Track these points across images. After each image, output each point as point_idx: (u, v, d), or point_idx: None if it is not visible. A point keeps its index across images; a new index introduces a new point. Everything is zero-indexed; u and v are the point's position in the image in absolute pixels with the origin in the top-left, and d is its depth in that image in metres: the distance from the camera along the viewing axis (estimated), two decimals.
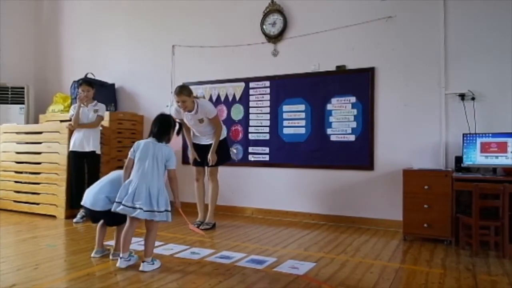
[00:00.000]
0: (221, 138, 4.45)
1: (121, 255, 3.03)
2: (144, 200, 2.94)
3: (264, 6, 5.26)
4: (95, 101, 4.95)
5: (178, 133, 3.36)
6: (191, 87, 5.71)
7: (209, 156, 4.35)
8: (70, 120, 4.93)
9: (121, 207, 2.95)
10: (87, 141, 4.85)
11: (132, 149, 3.11)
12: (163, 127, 3.16)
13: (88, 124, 4.88)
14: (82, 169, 4.91)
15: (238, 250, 3.62)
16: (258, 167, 5.35)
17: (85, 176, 4.94)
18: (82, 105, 4.82)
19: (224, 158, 4.54)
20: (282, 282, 2.80)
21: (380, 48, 4.69)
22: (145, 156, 3.04)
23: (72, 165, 4.93)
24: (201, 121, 4.30)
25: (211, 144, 4.38)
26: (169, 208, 3.03)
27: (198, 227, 4.39)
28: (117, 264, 3.02)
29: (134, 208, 2.93)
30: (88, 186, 4.77)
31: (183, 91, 4.13)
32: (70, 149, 4.91)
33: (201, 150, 4.47)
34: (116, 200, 2.99)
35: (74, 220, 4.75)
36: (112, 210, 3.00)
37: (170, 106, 4.85)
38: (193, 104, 4.20)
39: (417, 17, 4.52)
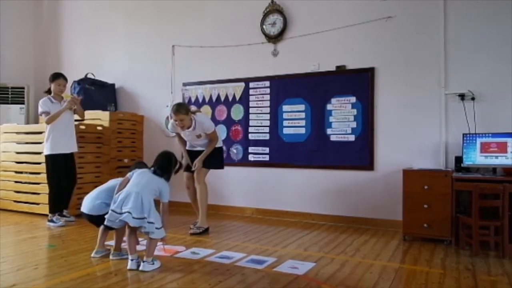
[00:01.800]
0: (218, 146, 4.35)
1: (130, 257, 3.04)
2: (134, 205, 2.92)
3: (264, 6, 5.27)
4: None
5: (176, 172, 3.37)
6: (191, 87, 5.78)
7: (196, 160, 4.22)
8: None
9: (110, 212, 3.00)
10: (71, 142, 4.72)
11: (130, 172, 3.21)
12: (165, 164, 3.23)
13: (82, 114, 4.83)
14: (62, 171, 4.69)
15: (238, 250, 3.62)
16: (258, 167, 5.35)
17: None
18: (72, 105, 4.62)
19: (215, 164, 4.37)
20: (282, 282, 2.80)
21: (380, 48, 4.69)
22: (141, 177, 3.12)
23: (57, 168, 4.63)
24: (198, 136, 4.23)
25: (202, 151, 4.29)
26: (159, 226, 3.00)
27: (195, 225, 4.30)
28: (128, 266, 3.01)
29: (121, 213, 2.94)
30: (69, 185, 4.73)
31: (181, 109, 4.03)
32: (52, 152, 4.58)
33: (195, 156, 4.34)
34: (110, 208, 3.03)
35: (57, 224, 4.58)
36: (106, 220, 3.03)
37: (169, 106, 4.81)
38: (190, 121, 4.11)
39: (417, 17, 4.53)
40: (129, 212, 2.91)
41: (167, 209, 3.16)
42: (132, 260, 3.03)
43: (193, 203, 4.51)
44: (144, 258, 3.02)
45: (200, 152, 4.32)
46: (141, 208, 2.94)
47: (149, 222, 2.95)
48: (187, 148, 4.46)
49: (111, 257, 3.27)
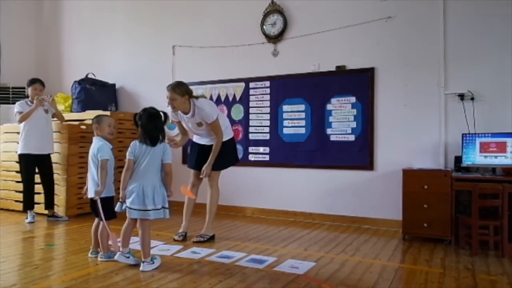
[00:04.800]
0: (227, 138, 3.89)
1: (120, 249, 3.08)
2: (136, 198, 2.96)
3: (264, 7, 5.27)
4: None
5: (164, 123, 3.20)
6: (192, 87, 5.73)
7: (204, 167, 3.78)
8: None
9: (124, 206, 3.05)
10: (45, 144, 4.80)
11: (130, 150, 3.08)
12: (158, 130, 3.07)
13: (61, 116, 4.98)
14: (34, 170, 4.83)
15: (238, 249, 3.63)
16: (258, 167, 5.35)
17: (34, 178, 4.87)
18: (41, 106, 4.71)
19: (228, 161, 3.96)
20: (282, 282, 2.81)
21: (380, 48, 4.70)
22: (142, 156, 3.04)
23: (27, 168, 4.78)
24: (199, 124, 3.78)
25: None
26: (166, 205, 3.05)
27: (183, 239, 3.89)
28: (115, 257, 3.08)
29: (129, 208, 3.00)
30: (47, 189, 4.81)
31: (176, 89, 3.67)
32: (23, 151, 4.74)
33: (202, 151, 3.90)
34: (120, 200, 3.08)
35: (27, 220, 4.75)
36: (116, 210, 3.12)
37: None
38: (187, 105, 3.71)
39: (417, 17, 4.53)
40: (130, 208, 2.98)
41: (171, 170, 3.08)
42: (120, 252, 3.08)
43: (187, 205, 4.02)
44: (143, 259, 3.02)
45: (209, 146, 3.84)
46: (143, 200, 2.95)
47: (155, 210, 2.95)
48: (194, 140, 4.03)
49: (98, 258, 3.27)
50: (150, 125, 3.06)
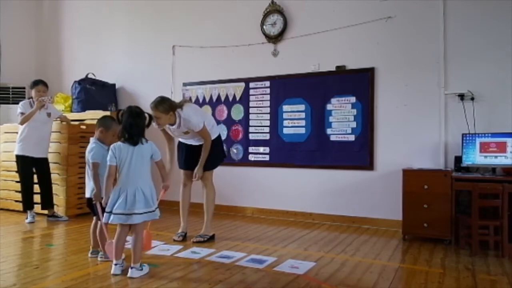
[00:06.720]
0: (214, 137, 3.87)
1: (114, 262, 2.90)
2: (139, 204, 2.81)
3: (264, 7, 5.27)
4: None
5: (148, 126, 3.02)
6: (191, 87, 5.79)
7: (196, 170, 3.78)
8: (74, 120, 4.94)
9: (112, 217, 2.80)
10: (41, 147, 4.80)
11: (111, 154, 2.85)
12: (140, 130, 2.92)
13: (67, 119, 5.06)
14: (32, 171, 4.85)
15: (238, 249, 3.63)
16: (258, 167, 5.35)
17: (33, 178, 4.88)
18: (42, 107, 4.70)
19: (218, 159, 3.98)
20: (282, 282, 2.81)
21: (380, 48, 4.70)
22: (129, 157, 2.85)
23: (24, 169, 4.81)
24: (186, 133, 3.76)
25: (201, 146, 3.80)
26: (156, 205, 2.96)
27: (182, 239, 3.90)
28: (112, 271, 2.88)
29: (130, 214, 2.79)
30: (44, 190, 4.82)
31: (159, 106, 3.50)
32: (20, 153, 4.76)
33: (191, 150, 3.92)
34: (106, 210, 2.84)
35: (27, 220, 4.76)
36: (104, 221, 2.89)
37: None
38: (173, 118, 3.62)
39: (417, 17, 4.53)
40: (137, 213, 2.80)
41: (163, 164, 3.09)
42: (116, 264, 2.89)
43: (183, 205, 4.03)
44: (132, 264, 2.87)
45: (196, 146, 3.85)
46: (145, 202, 2.84)
47: (157, 208, 2.92)
48: (180, 140, 4.00)
49: (98, 258, 3.26)
50: (131, 122, 2.90)
